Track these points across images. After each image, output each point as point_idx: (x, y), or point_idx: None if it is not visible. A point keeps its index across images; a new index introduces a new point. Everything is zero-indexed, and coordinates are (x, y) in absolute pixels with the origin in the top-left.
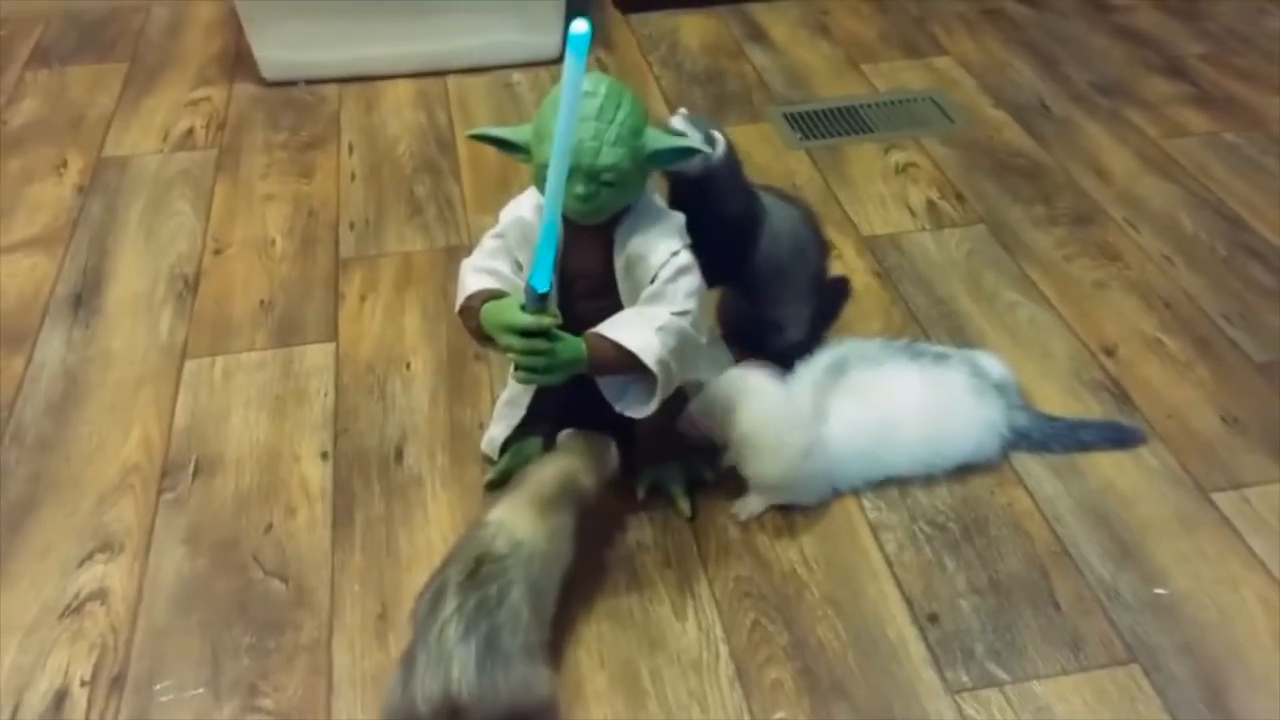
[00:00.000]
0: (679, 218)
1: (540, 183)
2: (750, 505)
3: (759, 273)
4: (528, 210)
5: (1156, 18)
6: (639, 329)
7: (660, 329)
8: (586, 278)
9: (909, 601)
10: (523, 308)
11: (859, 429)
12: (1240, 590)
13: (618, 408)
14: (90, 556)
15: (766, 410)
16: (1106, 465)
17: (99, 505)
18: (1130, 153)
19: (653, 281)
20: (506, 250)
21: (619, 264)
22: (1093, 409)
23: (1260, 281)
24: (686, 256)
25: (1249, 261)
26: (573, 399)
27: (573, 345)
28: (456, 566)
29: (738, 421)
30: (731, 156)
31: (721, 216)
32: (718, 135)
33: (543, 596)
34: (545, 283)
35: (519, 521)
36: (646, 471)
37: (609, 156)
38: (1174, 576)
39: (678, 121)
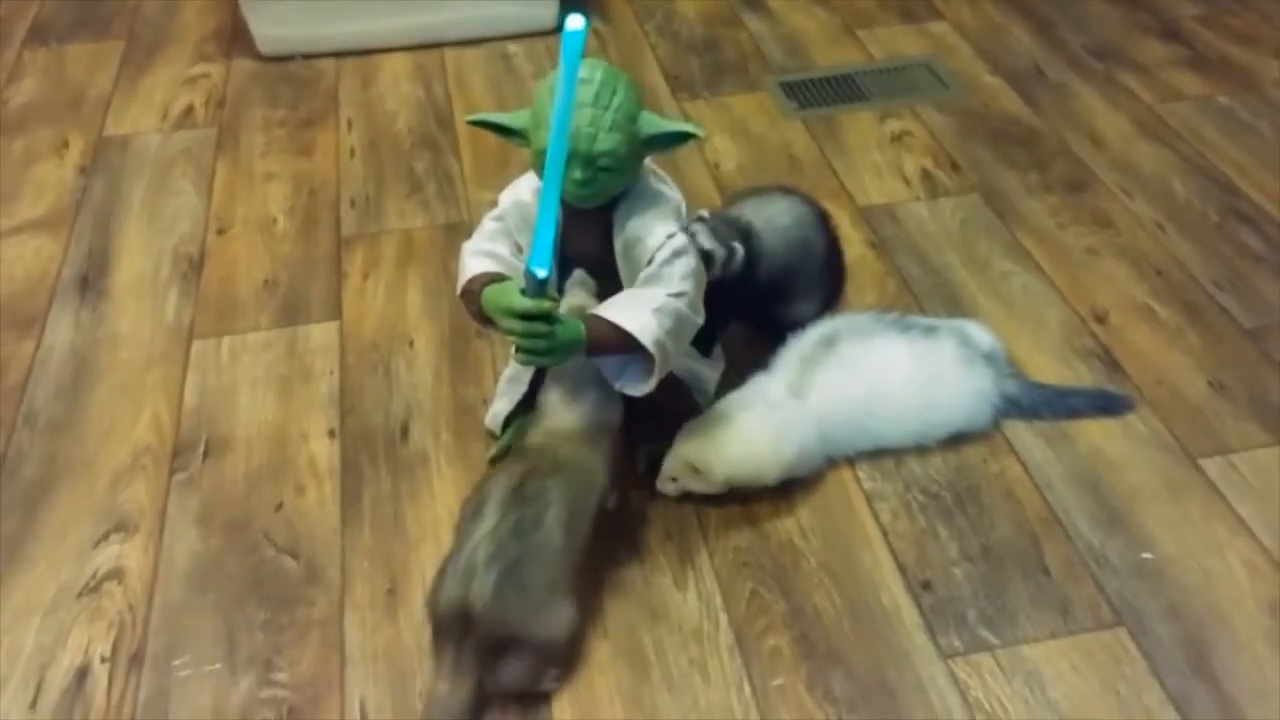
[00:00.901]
0: (674, 200)
1: (539, 167)
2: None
3: (760, 283)
4: (526, 193)
5: None
6: (636, 310)
7: (657, 310)
8: (585, 261)
9: (903, 569)
10: (523, 291)
11: (847, 400)
12: (1225, 555)
13: (616, 386)
14: (106, 537)
15: (750, 450)
16: (1096, 432)
17: (113, 486)
18: (1124, 118)
19: (649, 263)
20: (506, 233)
21: (618, 246)
22: (1084, 376)
23: (1251, 247)
24: (682, 239)
25: (1240, 227)
26: None
27: (572, 327)
28: (502, 478)
29: (725, 464)
30: (744, 266)
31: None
32: (737, 248)
33: (579, 520)
34: (546, 266)
35: (562, 445)
36: (645, 447)
37: (606, 142)
38: (1161, 541)
39: (700, 232)
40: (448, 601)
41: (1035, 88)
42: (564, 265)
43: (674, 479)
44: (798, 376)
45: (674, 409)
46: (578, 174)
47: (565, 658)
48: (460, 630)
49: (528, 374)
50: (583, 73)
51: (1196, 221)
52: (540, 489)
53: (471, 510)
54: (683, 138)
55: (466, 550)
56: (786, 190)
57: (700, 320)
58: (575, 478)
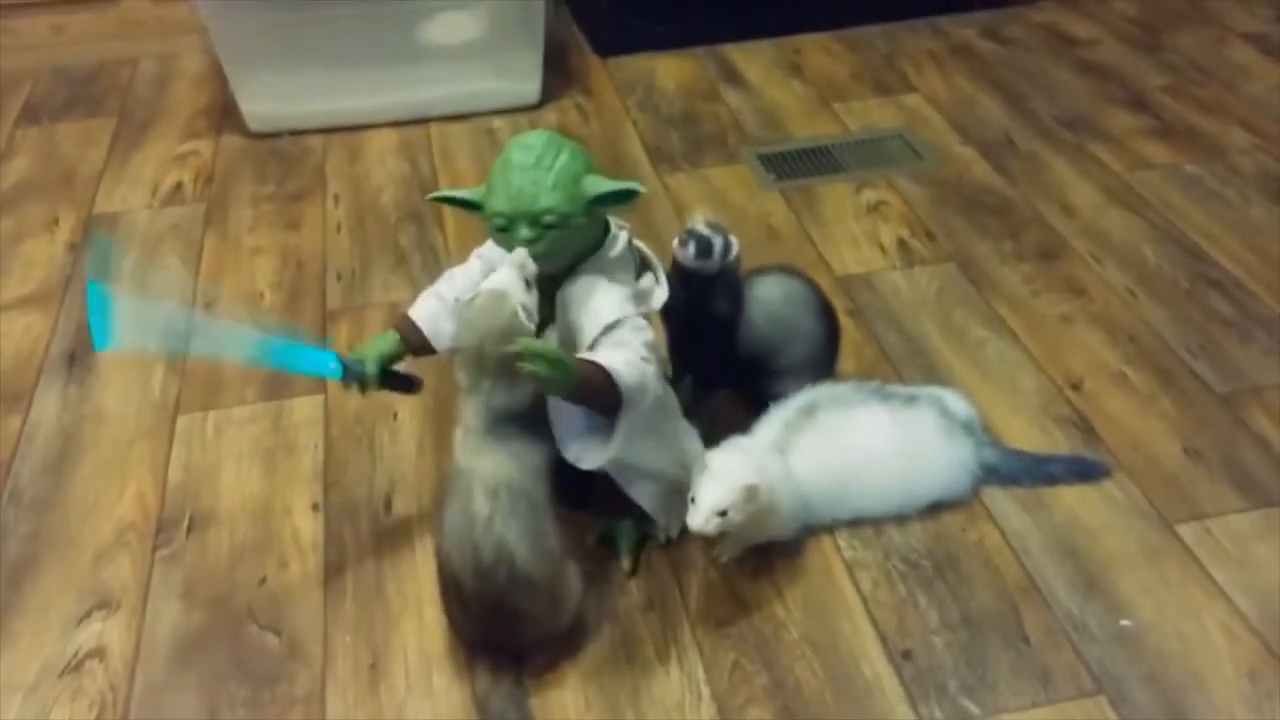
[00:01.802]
0: (634, 285)
1: (494, 233)
2: (727, 549)
3: (748, 353)
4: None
5: (1119, 50)
6: (611, 356)
7: (629, 363)
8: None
9: (884, 639)
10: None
11: (828, 469)
12: (1203, 620)
13: (570, 454)
14: (89, 614)
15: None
16: (1073, 499)
17: (96, 563)
18: (1094, 186)
19: (613, 327)
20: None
21: (560, 297)
22: (1060, 443)
23: (1221, 313)
24: (643, 321)
25: (1210, 293)
26: None
27: (566, 358)
28: (455, 552)
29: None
30: (738, 261)
31: (716, 312)
32: (733, 240)
33: (540, 522)
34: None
35: (485, 464)
36: (599, 523)
37: (547, 200)
38: (1139, 607)
39: (700, 225)
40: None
41: (1007, 158)
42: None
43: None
44: (779, 441)
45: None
46: (524, 232)
47: None
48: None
49: None
50: (527, 139)
51: (1167, 288)
52: (489, 531)
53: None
54: (628, 194)
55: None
56: (787, 270)
57: (653, 395)
58: (516, 495)
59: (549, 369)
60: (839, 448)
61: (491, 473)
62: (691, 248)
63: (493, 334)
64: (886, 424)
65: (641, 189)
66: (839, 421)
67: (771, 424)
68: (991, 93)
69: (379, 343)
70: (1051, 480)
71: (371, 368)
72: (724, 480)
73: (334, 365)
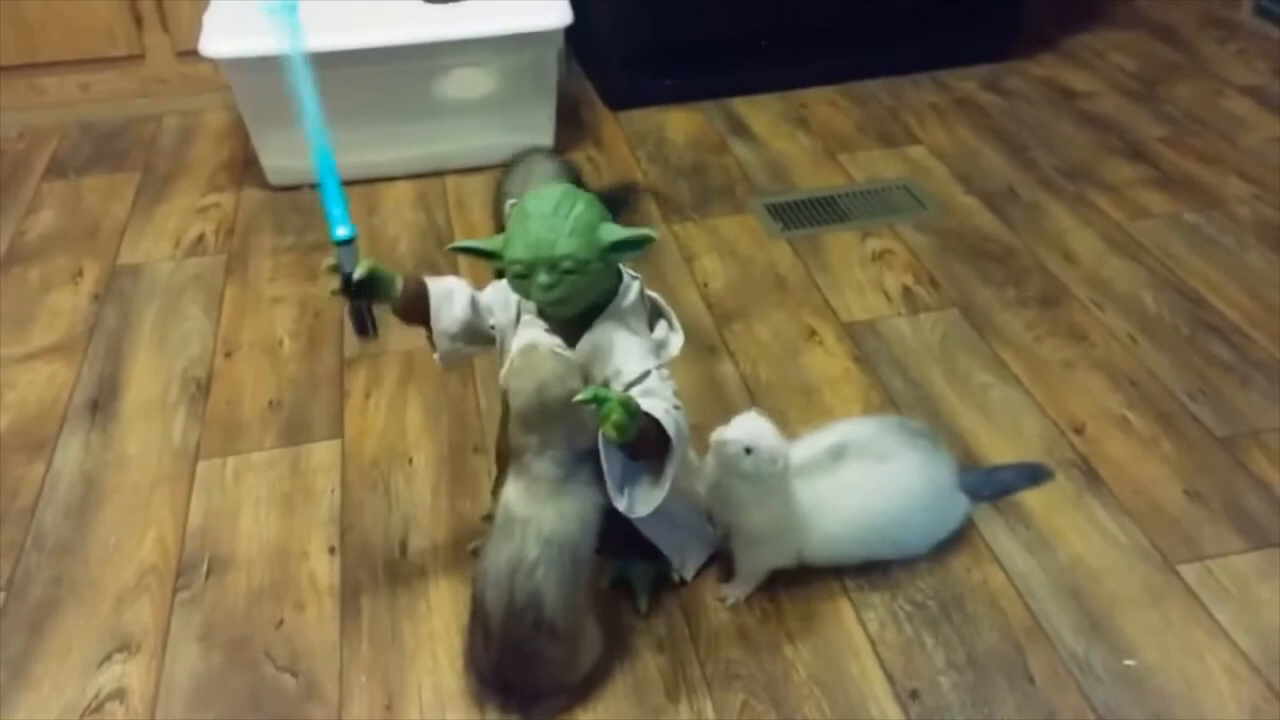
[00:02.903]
0: (649, 335)
1: (512, 281)
2: (736, 590)
3: None
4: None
5: (1118, 102)
6: (650, 404)
7: (666, 411)
8: None
9: (891, 679)
10: (333, 267)
11: (853, 517)
12: (1206, 660)
13: (622, 504)
14: (109, 657)
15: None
16: (1076, 541)
17: (117, 606)
18: (1095, 235)
19: (642, 379)
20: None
21: (581, 344)
22: (1063, 486)
23: (1220, 358)
24: (667, 371)
25: (1210, 339)
26: None
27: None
28: (492, 591)
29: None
30: None
31: None
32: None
33: (579, 575)
34: (347, 225)
35: (546, 514)
36: (614, 564)
37: (565, 246)
38: (1143, 648)
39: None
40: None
41: (1009, 207)
42: None
43: None
44: (805, 470)
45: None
46: (543, 278)
47: None
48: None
49: None
50: (543, 191)
51: (1168, 334)
52: (531, 575)
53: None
54: (642, 241)
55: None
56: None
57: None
58: (564, 548)
59: (620, 412)
60: (865, 493)
61: (550, 523)
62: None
63: (547, 380)
64: (916, 478)
65: (655, 235)
66: (866, 468)
67: (804, 450)
68: (993, 144)
69: (381, 267)
70: (1006, 489)
71: (360, 269)
72: (759, 426)
73: (345, 231)
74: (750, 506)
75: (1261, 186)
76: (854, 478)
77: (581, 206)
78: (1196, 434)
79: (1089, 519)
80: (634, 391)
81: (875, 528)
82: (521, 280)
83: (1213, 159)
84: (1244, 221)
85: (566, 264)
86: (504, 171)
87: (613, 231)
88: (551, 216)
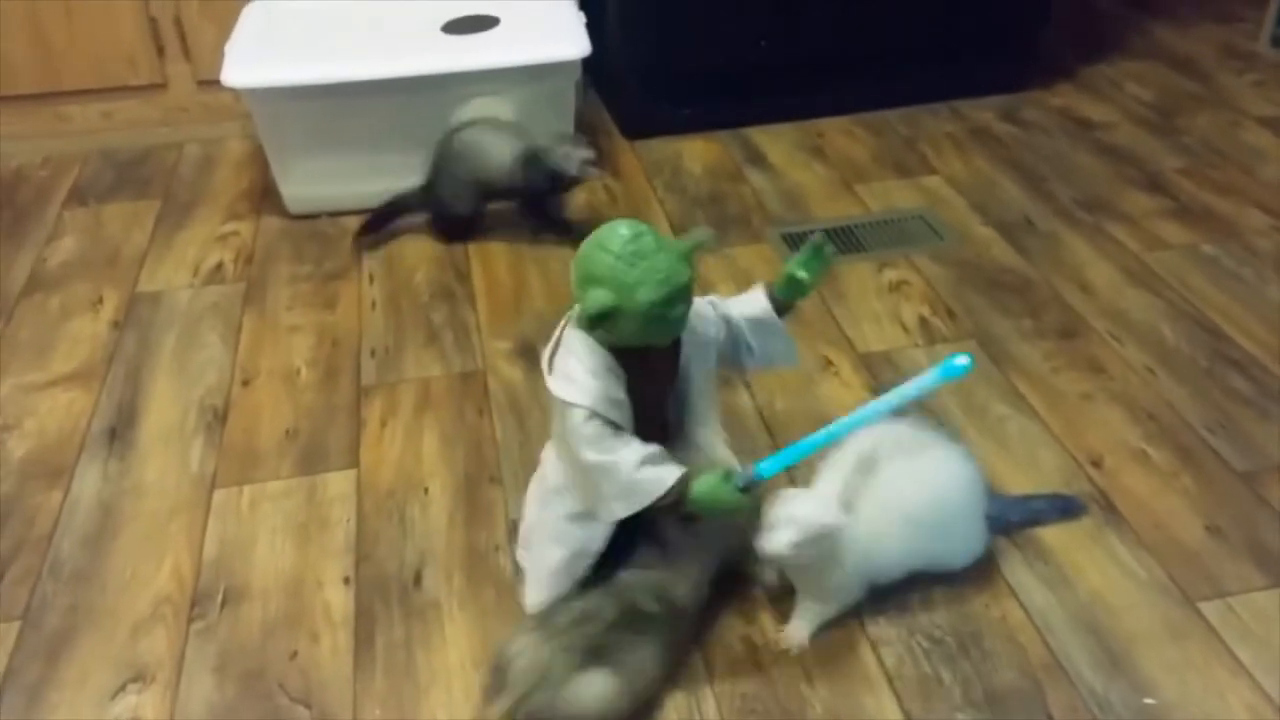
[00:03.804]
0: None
1: (637, 328)
2: (797, 634)
3: None
4: (602, 382)
5: (1136, 134)
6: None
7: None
8: (652, 400)
9: (908, 716)
10: (731, 483)
11: (894, 526)
12: (1227, 699)
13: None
14: (124, 687)
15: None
16: (1095, 576)
17: (133, 635)
18: (1113, 266)
19: (727, 323)
20: (612, 427)
21: (687, 353)
22: (1083, 521)
23: (1240, 391)
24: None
25: (1228, 371)
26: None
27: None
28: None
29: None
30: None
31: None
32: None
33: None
34: (769, 472)
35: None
36: None
37: (685, 273)
38: (1163, 686)
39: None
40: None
41: (1026, 238)
42: (647, 403)
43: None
44: (843, 495)
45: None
46: (679, 310)
47: None
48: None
49: (582, 562)
50: (619, 229)
51: (1186, 366)
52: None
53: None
54: (702, 245)
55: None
56: None
57: None
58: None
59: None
60: (902, 503)
61: None
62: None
63: None
64: (956, 466)
65: (706, 237)
66: (907, 473)
67: (832, 477)
68: (1010, 174)
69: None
70: (1036, 519)
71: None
72: (802, 511)
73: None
74: (814, 574)
75: None
76: (892, 481)
77: (647, 228)
78: (1216, 468)
79: (1108, 554)
80: (732, 323)
81: (924, 525)
82: (655, 324)
83: (1231, 190)
84: (1263, 253)
85: (688, 291)
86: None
87: (680, 245)
88: (658, 251)
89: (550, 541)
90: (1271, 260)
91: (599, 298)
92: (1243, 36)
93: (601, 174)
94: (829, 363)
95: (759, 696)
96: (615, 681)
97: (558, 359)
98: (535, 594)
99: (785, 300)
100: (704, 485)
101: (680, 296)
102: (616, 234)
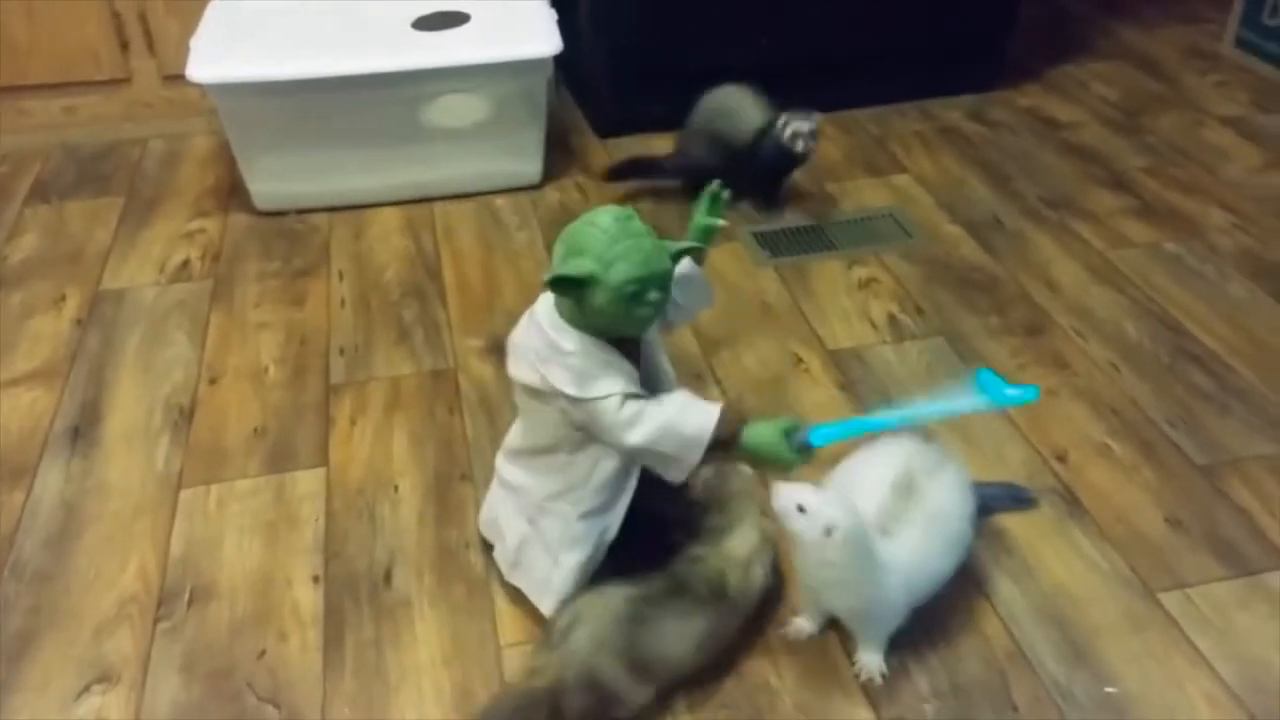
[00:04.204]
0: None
1: (611, 305)
2: (870, 662)
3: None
4: (601, 366)
5: (1101, 133)
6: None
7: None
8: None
9: (875, 707)
10: (789, 440)
11: (937, 546)
12: (1186, 688)
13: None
14: (88, 688)
15: (861, 552)
16: (1059, 568)
17: (97, 636)
18: (1078, 264)
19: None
20: (638, 399)
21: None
22: (1046, 513)
23: (1201, 387)
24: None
25: (1190, 367)
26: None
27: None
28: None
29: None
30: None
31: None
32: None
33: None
34: (824, 440)
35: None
36: None
37: (666, 264)
38: (1125, 675)
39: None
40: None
41: (993, 236)
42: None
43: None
44: (884, 524)
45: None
46: (654, 294)
47: None
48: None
49: (599, 555)
50: (609, 213)
51: (1149, 362)
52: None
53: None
54: (693, 250)
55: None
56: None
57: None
58: (739, 597)
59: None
60: (935, 523)
61: None
62: (810, 143)
63: None
64: (964, 479)
65: (706, 246)
66: (944, 493)
67: (870, 501)
68: (978, 173)
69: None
70: (988, 505)
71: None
72: (829, 500)
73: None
74: (844, 588)
75: (1241, 217)
76: (934, 501)
77: (638, 217)
78: (1177, 462)
79: (1071, 546)
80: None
81: (957, 542)
82: (629, 303)
83: (1194, 189)
84: (1224, 251)
85: (667, 279)
86: (692, 114)
87: (671, 246)
88: (644, 235)
89: (566, 547)
90: (1232, 258)
91: (579, 264)
92: (1207, 37)
93: (811, 146)
94: (799, 360)
95: (728, 691)
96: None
97: (552, 369)
98: (553, 600)
99: (700, 248)
100: (762, 434)
101: (655, 283)
102: (609, 212)
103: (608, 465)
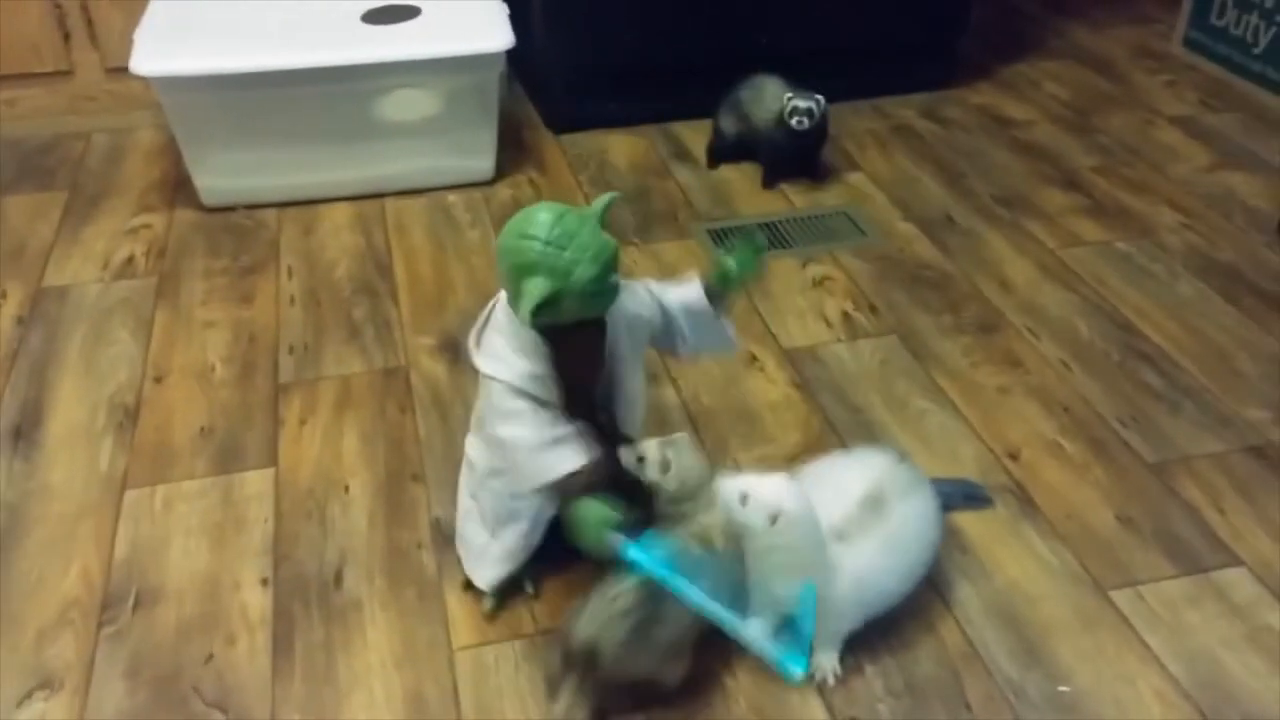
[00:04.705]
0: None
1: (536, 314)
2: (825, 663)
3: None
4: (529, 363)
5: (1053, 132)
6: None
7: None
8: (581, 379)
9: (830, 707)
10: (607, 535)
11: (897, 565)
12: (1137, 685)
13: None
14: (30, 695)
15: (806, 536)
16: (1012, 566)
17: (39, 641)
18: (1030, 263)
19: (661, 310)
20: (534, 402)
21: (617, 332)
22: (999, 512)
23: (1151, 385)
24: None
25: (1140, 366)
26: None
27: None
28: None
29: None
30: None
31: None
32: (821, 99)
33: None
34: (632, 558)
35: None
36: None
37: (611, 243)
38: (1077, 673)
39: (799, 101)
40: (581, 639)
41: (946, 234)
42: (574, 381)
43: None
44: (844, 531)
45: None
46: (614, 278)
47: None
48: (585, 665)
49: (539, 530)
50: (540, 213)
51: (1100, 361)
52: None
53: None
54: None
55: (610, 594)
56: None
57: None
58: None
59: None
60: (911, 542)
61: None
62: (805, 121)
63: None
64: (935, 506)
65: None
66: (913, 515)
67: (831, 507)
68: (931, 171)
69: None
70: (945, 503)
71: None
72: (773, 485)
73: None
74: (792, 573)
75: (1190, 216)
76: (902, 523)
77: (564, 208)
78: (1128, 460)
79: (1024, 545)
80: (664, 309)
81: (920, 564)
82: (593, 299)
83: (1144, 188)
84: (1173, 250)
85: (616, 255)
86: (725, 96)
87: (594, 209)
88: (583, 226)
89: (502, 522)
90: (1182, 257)
91: (539, 286)
92: (1156, 37)
93: (803, 126)
94: (754, 358)
95: (683, 692)
96: (687, 660)
97: (485, 335)
98: (490, 572)
99: (718, 290)
100: (589, 515)
101: (613, 266)
102: (538, 220)
103: None
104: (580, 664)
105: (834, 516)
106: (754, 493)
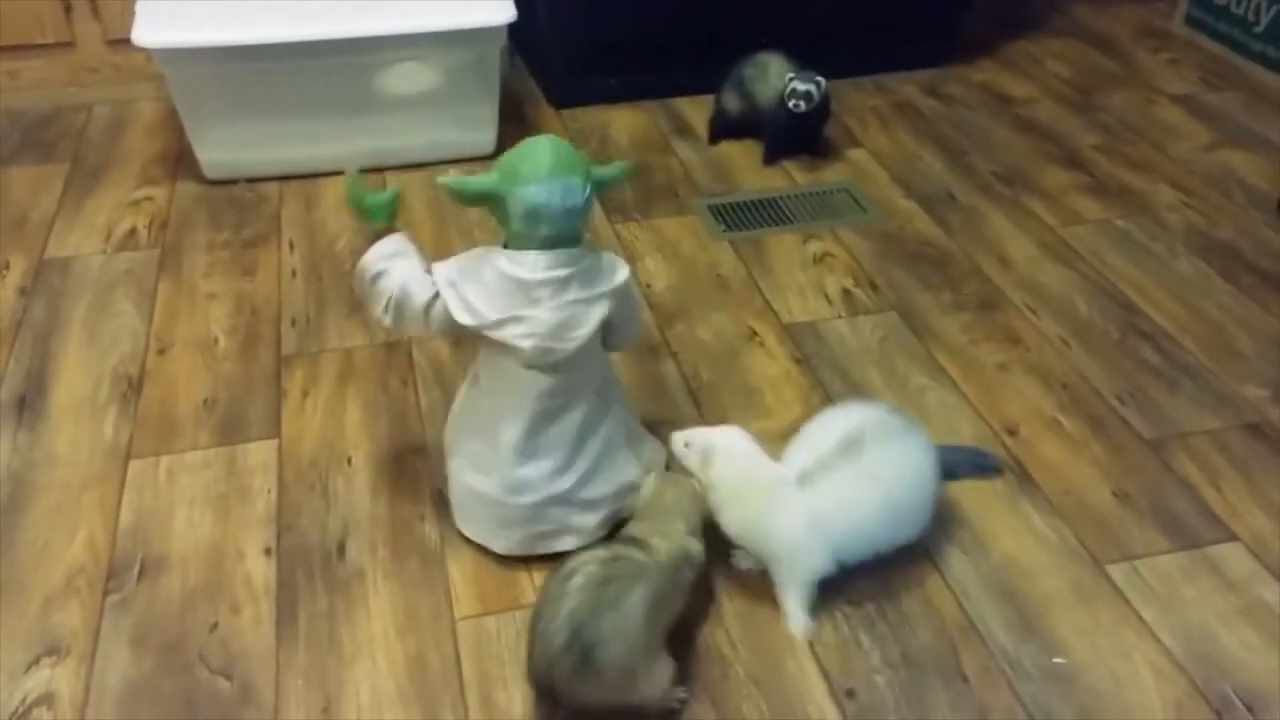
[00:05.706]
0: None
1: (519, 230)
2: (795, 616)
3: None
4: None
5: (1055, 110)
6: None
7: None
8: None
9: (828, 677)
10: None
11: (880, 504)
12: (1132, 658)
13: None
14: (37, 661)
15: (735, 467)
16: (1009, 541)
17: (45, 609)
18: (1030, 240)
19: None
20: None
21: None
22: (997, 487)
23: (1149, 362)
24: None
25: (1139, 343)
26: None
27: None
28: (597, 552)
29: (710, 474)
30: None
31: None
32: (822, 80)
33: (666, 598)
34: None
35: (669, 535)
36: None
37: (576, 182)
38: (1073, 647)
39: (799, 84)
40: (536, 675)
41: (947, 212)
42: None
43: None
44: (812, 472)
45: None
46: (580, 195)
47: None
48: (551, 698)
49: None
50: (552, 140)
51: (1099, 338)
52: (631, 568)
53: (559, 582)
54: (621, 176)
55: (550, 630)
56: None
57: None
58: (669, 558)
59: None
60: (878, 484)
61: None
62: (803, 104)
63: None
64: (924, 456)
65: (629, 167)
66: (892, 458)
67: (806, 453)
68: (933, 148)
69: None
70: (952, 471)
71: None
72: (710, 430)
73: None
74: (735, 509)
75: (1191, 194)
76: (878, 464)
77: (571, 148)
78: (1125, 436)
79: (1021, 520)
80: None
81: (901, 509)
82: (538, 209)
83: (1144, 167)
84: (1173, 228)
85: (589, 188)
86: (729, 73)
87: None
88: (556, 159)
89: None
90: (1181, 235)
91: (483, 180)
92: (1159, 16)
93: (801, 109)
94: (754, 333)
95: (682, 660)
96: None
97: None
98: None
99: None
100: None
101: (583, 180)
102: (542, 138)
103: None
104: (548, 695)
105: (807, 460)
106: (693, 438)
